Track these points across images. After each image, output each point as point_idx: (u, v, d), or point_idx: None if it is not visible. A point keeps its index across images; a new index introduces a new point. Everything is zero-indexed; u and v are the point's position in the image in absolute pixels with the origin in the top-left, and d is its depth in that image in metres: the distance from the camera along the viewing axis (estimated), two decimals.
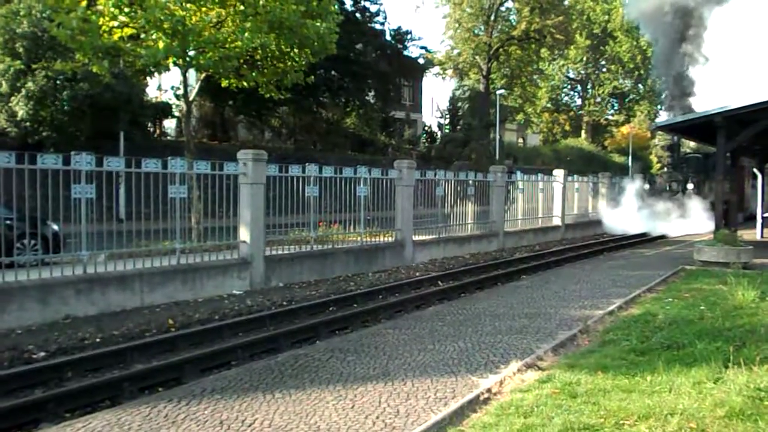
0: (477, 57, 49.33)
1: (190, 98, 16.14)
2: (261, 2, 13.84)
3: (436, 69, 51.54)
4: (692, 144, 35.34)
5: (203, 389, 6.02)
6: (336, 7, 16.85)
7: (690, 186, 28.47)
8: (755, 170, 25.04)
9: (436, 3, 49.89)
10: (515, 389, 5.74)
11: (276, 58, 15.76)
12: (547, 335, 7.98)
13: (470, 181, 18.56)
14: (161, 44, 13.29)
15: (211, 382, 6.30)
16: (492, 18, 48.69)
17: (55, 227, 11.40)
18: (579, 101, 70.51)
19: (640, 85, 67.67)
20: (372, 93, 41.00)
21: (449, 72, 52.03)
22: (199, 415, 5.36)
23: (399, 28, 42.73)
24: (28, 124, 21.04)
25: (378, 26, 40.62)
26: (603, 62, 67.43)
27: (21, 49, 20.96)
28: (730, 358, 6.17)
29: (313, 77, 17.33)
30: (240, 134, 36.45)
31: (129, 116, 23.65)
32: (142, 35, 13.94)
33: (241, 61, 15.10)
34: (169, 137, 31.89)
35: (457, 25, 48.80)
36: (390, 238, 15.62)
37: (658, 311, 8.88)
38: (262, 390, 5.97)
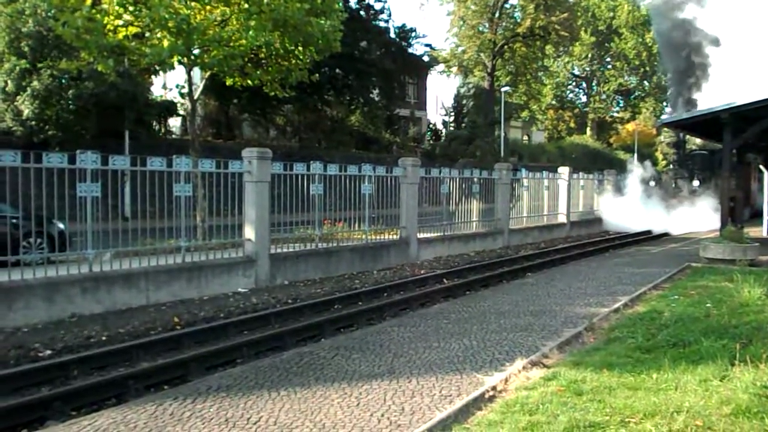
0: (482, 54, 49.27)
1: (195, 97, 16.16)
2: (265, 0, 13.83)
3: (441, 66, 51.51)
4: (698, 141, 35.19)
5: (209, 387, 6.03)
6: (340, 4, 16.86)
7: (696, 183, 28.35)
8: (761, 167, 24.94)
9: (440, 0, 49.86)
10: (520, 387, 5.73)
11: (280, 57, 15.76)
12: (553, 333, 7.96)
13: (475, 179, 18.53)
14: (166, 43, 13.31)
15: (216, 380, 6.31)
16: (496, 15, 48.62)
17: (61, 226, 11.44)
18: (584, 98, 70.41)
19: (645, 82, 67.52)
20: (376, 91, 40.95)
21: (454, 69, 52.01)
22: (205, 412, 5.37)
23: (403, 25, 42.71)
24: (33, 123, 21.10)
25: (382, 24, 40.59)
26: (608, 59, 67.29)
27: (26, 49, 21.02)
28: (737, 355, 6.16)
29: (317, 75, 17.36)
30: (245, 132, 36.49)
31: (134, 115, 23.69)
32: (147, 34, 13.96)
33: (246, 59, 15.11)
34: (174, 136, 31.92)
35: (461, 22, 48.76)
36: (395, 236, 15.61)
37: (664, 309, 8.85)
38: (268, 388, 5.97)
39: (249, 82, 15.91)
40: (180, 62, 14.36)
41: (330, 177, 13.76)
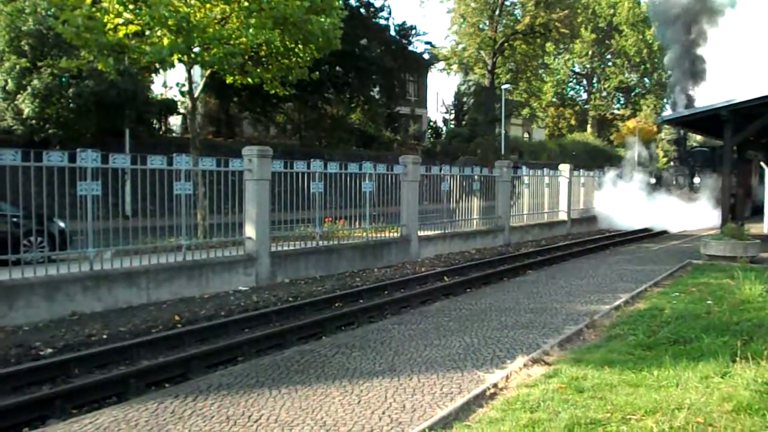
0: (482, 52, 49.24)
1: (195, 95, 16.16)
2: None
3: (441, 64, 51.48)
4: (698, 138, 35.14)
5: (209, 385, 6.04)
6: (340, 2, 16.85)
7: (697, 180, 28.29)
8: (762, 164, 24.92)
9: None
10: (521, 384, 5.72)
11: (280, 54, 15.74)
12: (554, 330, 7.97)
13: (476, 177, 18.52)
14: (166, 41, 13.31)
15: (217, 378, 6.32)
16: (497, 12, 48.58)
17: (62, 224, 11.44)
18: (584, 95, 70.37)
19: (646, 79, 67.43)
20: (377, 89, 40.94)
21: (454, 67, 51.99)
22: (206, 410, 5.37)
23: (404, 23, 42.65)
24: (33, 121, 21.10)
25: (382, 22, 40.54)
26: (609, 56, 67.25)
27: (26, 47, 21.01)
28: (738, 352, 6.15)
29: (317, 73, 17.31)
30: (245, 131, 36.49)
31: (134, 113, 23.69)
32: (147, 32, 13.95)
33: (246, 57, 15.10)
34: (174, 134, 31.92)
35: (461, 19, 48.73)
36: (395, 234, 15.61)
37: (665, 306, 8.84)
38: (268, 386, 5.98)
39: (249, 80, 15.90)
40: (180, 60, 14.36)
41: (330, 175, 13.75)
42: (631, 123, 60.68)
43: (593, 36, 62.74)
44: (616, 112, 69.65)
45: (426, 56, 48.15)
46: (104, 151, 10.07)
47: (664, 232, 23.03)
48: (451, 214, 17.61)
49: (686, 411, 4.84)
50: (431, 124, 51.96)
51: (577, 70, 69.14)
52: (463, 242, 17.71)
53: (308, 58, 15.94)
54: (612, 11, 64.11)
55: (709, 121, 17.96)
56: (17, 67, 20.83)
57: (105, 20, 13.37)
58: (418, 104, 50.35)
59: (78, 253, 9.93)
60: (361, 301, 11.04)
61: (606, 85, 67.33)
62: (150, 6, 12.94)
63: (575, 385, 5.58)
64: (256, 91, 24.63)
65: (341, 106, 38.06)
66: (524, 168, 23.00)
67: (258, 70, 15.61)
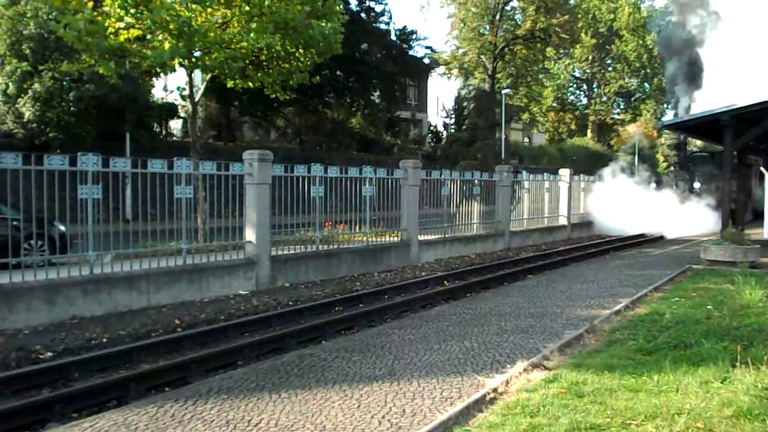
0: (482, 56, 49.27)
1: (196, 99, 16.17)
2: (266, 3, 13.84)
3: (442, 69, 51.49)
4: (699, 143, 35.14)
5: (209, 389, 6.03)
6: (341, 7, 16.84)
7: (697, 185, 28.27)
8: (762, 169, 24.89)
9: (441, 3, 49.88)
10: (521, 389, 5.72)
11: (281, 59, 15.77)
12: (554, 335, 7.96)
13: (476, 181, 18.54)
14: (167, 45, 13.33)
15: (217, 382, 6.31)
16: (497, 17, 48.64)
17: (62, 228, 11.44)
18: (585, 100, 70.41)
19: (646, 84, 67.51)
20: (377, 93, 40.97)
21: (454, 72, 52.00)
22: (206, 414, 5.37)
23: (404, 27, 42.71)
24: (34, 125, 21.11)
25: (383, 26, 40.60)
26: (609, 61, 67.32)
27: (28, 51, 21.04)
28: (738, 357, 6.15)
29: (318, 77, 17.35)
30: (245, 135, 36.50)
31: (135, 117, 23.70)
32: (148, 36, 13.97)
33: (247, 61, 15.11)
34: (174, 138, 31.93)
35: (462, 24, 48.78)
36: (396, 238, 15.61)
37: (665, 311, 8.84)
38: (268, 390, 5.97)
39: (250, 84, 15.92)
40: (181, 64, 14.38)
41: (331, 179, 13.77)
42: (631, 128, 60.77)
43: (593, 41, 62.82)
44: (616, 116, 69.70)
45: (426, 61, 48.24)
46: (105, 154, 10.07)
47: (660, 238, 22.69)
48: (451, 218, 17.62)
49: (686, 416, 4.85)
50: (431, 128, 51.97)
51: (577, 74, 69.23)
52: (464, 246, 17.71)
53: (309, 63, 15.95)
54: (612, 16, 64.19)
55: (710, 126, 17.98)
56: (18, 70, 20.85)
57: (106, 24, 13.39)
58: (418, 109, 50.38)
59: (78, 257, 9.93)
60: (361, 305, 11.04)
61: (606, 90, 67.39)
62: (151, 10, 12.96)
63: (575, 389, 5.58)
64: (256, 95, 24.67)
65: (342, 110, 38.09)
66: (524, 173, 23.03)
67: (259, 74, 15.63)
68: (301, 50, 15.54)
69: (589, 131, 67.24)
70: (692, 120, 19.63)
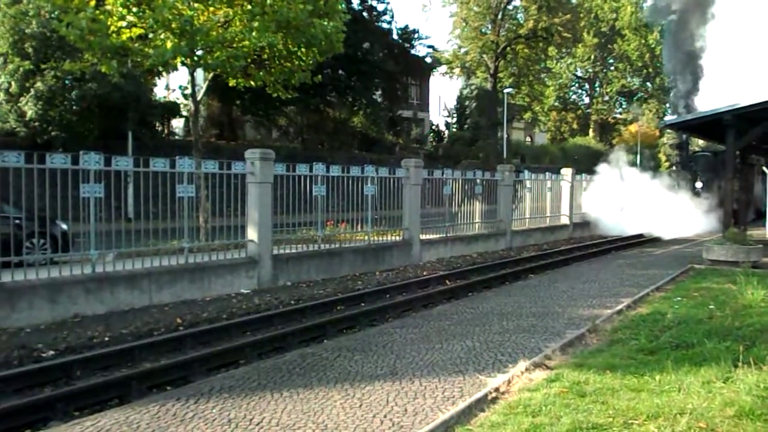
0: (484, 56, 49.24)
1: (198, 98, 16.18)
2: (268, 2, 13.85)
3: (444, 68, 51.47)
4: (701, 142, 35.08)
5: (211, 388, 6.04)
6: (343, 6, 16.86)
7: (699, 184, 28.20)
8: (765, 168, 24.88)
9: (443, 2, 49.83)
10: (523, 388, 5.72)
11: (283, 58, 15.78)
12: (556, 334, 7.96)
13: (478, 180, 18.52)
14: (169, 44, 13.34)
15: (219, 381, 6.31)
16: (499, 16, 48.59)
17: (64, 226, 11.45)
18: (587, 99, 70.37)
19: (648, 83, 67.43)
20: (379, 92, 41.00)
21: (456, 71, 51.97)
22: (208, 413, 5.37)
23: (406, 27, 42.78)
24: (37, 123, 21.16)
25: (385, 25, 40.64)
26: (611, 60, 67.28)
27: (30, 50, 21.08)
28: (740, 357, 6.14)
29: (320, 76, 17.36)
30: (247, 134, 36.54)
31: (137, 116, 23.74)
32: (151, 35, 13.98)
33: (249, 60, 15.13)
34: (177, 137, 31.99)
35: (464, 23, 48.74)
36: (397, 237, 15.61)
37: (667, 310, 8.83)
38: (270, 389, 5.98)
39: (252, 83, 15.93)
40: (183, 63, 14.39)
41: (333, 178, 13.76)
42: (633, 127, 60.74)
43: (595, 40, 62.78)
44: (618, 116, 69.65)
45: (428, 60, 48.25)
46: (107, 153, 10.08)
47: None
48: (453, 217, 17.61)
49: (688, 416, 4.84)
50: (433, 127, 51.98)
51: (579, 74, 69.16)
52: (465, 246, 17.69)
53: (311, 62, 15.96)
54: (614, 15, 64.14)
55: (712, 125, 17.94)
56: (21, 69, 20.90)
57: (109, 23, 13.40)
58: (420, 108, 50.40)
59: (80, 256, 9.93)
60: (363, 304, 11.03)
61: (608, 90, 67.34)
62: (153, 9, 12.98)
63: (577, 389, 5.57)
64: (258, 94, 24.70)
65: (343, 109, 38.11)
66: (526, 172, 22.97)
67: (261, 73, 15.64)
68: (303, 49, 15.55)
69: (591, 131, 67.21)
70: (694, 119, 19.60)
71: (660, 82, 62.86)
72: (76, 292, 9.37)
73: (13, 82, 21.00)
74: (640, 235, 22.59)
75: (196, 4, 13.76)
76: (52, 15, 19.57)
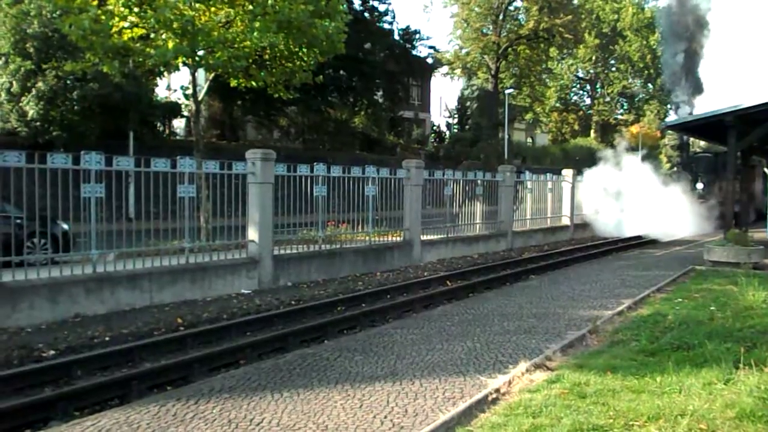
0: (485, 56, 49.26)
1: (199, 98, 16.17)
2: (270, 2, 13.83)
3: (445, 68, 51.49)
4: (702, 143, 35.07)
5: (212, 388, 6.04)
6: (344, 6, 16.85)
7: (699, 186, 28.17)
8: (766, 170, 24.86)
9: (444, 2, 49.88)
10: (524, 389, 5.72)
11: (285, 58, 15.77)
12: (556, 335, 7.95)
13: (479, 181, 18.52)
14: (171, 44, 13.33)
15: (219, 381, 6.31)
16: (500, 17, 48.59)
17: (65, 226, 11.45)
18: (588, 101, 70.38)
19: (649, 85, 67.43)
20: (380, 93, 40.97)
21: (458, 71, 51.98)
22: (208, 413, 5.37)
23: (407, 27, 42.73)
24: (38, 123, 21.15)
25: (386, 26, 40.62)
26: (612, 61, 67.27)
27: (31, 50, 21.07)
28: (741, 359, 6.13)
29: (321, 77, 17.34)
30: (248, 134, 36.54)
31: (138, 116, 23.74)
32: (152, 35, 13.98)
33: (250, 60, 15.12)
34: (178, 137, 32.00)
35: (465, 24, 48.75)
36: (398, 238, 15.60)
37: (668, 312, 8.82)
38: (271, 389, 5.97)
39: (253, 83, 15.92)
40: (184, 63, 14.38)
41: (333, 179, 13.76)
42: (634, 128, 60.70)
43: (597, 41, 62.75)
44: (619, 117, 69.63)
45: (429, 60, 48.22)
46: (108, 153, 10.08)
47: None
48: (454, 218, 17.60)
49: (689, 417, 4.83)
50: (434, 128, 51.97)
51: (580, 75, 69.18)
52: (466, 247, 17.69)
53: (312, 62, 15.95)
54: (616, 17, 64.15)
55: (713, 126, 17.94)
56: (22, 69, 20.89)
57: (110, 23, 13.40)
58: (421, 108, 50.38)
59: (81, 255, 9.94)
60: (364, 305, 11.03)
61: (609, 91, 67.32)
62: (155, 9, 12.97)
63: (578, 390, 5.57)
64: (259, 95, 24.68)
65: (345, 109, 38.11)
66: (527, 173, 22.95)
67: (262, 73, 15.63)
68: (304, 49, 15.53)
69: (592, 132, 67.19)
70: (696, 120, 19.60)
71: (661, 82, 62.85)
72: (77, 292, 9.38)
73: (14, 82, 21.01)
74: (641, 237, 22.48)
75: (197, 5, 13.76)
76: (54, 15, 19.59)
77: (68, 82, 21.13)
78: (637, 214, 23.23)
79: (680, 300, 9.80)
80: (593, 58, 64.99)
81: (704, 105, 29.34)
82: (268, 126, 36.66)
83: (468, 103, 52.62)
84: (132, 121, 23.31)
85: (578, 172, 24.84)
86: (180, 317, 9.48)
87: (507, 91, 49.22)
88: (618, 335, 7.66)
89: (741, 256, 13.67)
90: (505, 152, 45.75)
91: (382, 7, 40.08)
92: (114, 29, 13.51)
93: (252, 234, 12.10)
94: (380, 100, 41.21)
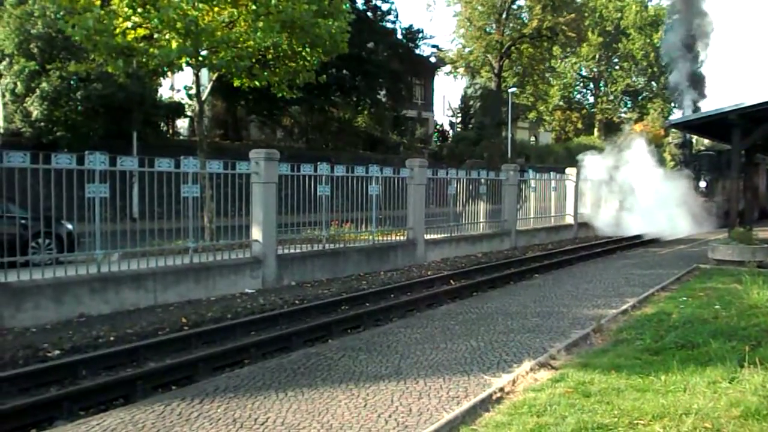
0: (488, 55, 49.24)
1: (203, 98, 16.19)
2: (273, 2, 13.83)
3: (448, 67, 51.52)
4: (705, 141, 34.98)
5: (216, 387, 6.05)
6: (347, 6, 16.83)
7: (703, 184, 28.05)
8: None
9: (447, 1, 49.90)
10: (528, 388, 5.71)
11: (288, 58, 15.76)
12: (560, 334, 7.94)
13: (482, 180, 18.51)
14: (174, 44, 13.35)
15: (224, 381, 6.33)
16: (503, 16, 48.57)
17: (69, 226, 11.47)
18: (591, 99, 70.25)
19: (653, 83, 67.30)
20: (384, 92, 40.99)
21: (461, 70, 51.98)
22: (212, 413, 5.38)
23: (410, 26, 42.85)
24: (42, 124, 21.22)
25: (389, 25, 40.64)
26: (616, 60, 67.17)
27: (35, 50, 21.14)
28: (746, 357, 6.12)
29: (324, 76, 17.35)
30: (252, 134, 36.58)
31: (142, 116, 23.79)
32: (156, 35, 14.00)
33: (254, 60, 15.12)
34: (181, 137, 32.04)
35: (468, 23, 48.73)
36: (402, 237, 15.61)
37: (673, 310, 8.81)
38: (275, 388, 5.98)
39: (256, 83, 15.91)
40: (188, 63, 14.39)
41: (337, 178, 13.77)
42: (638, 127, 60.56)
43: (600, 39, 62.67)
44: (623, 115, 69.51)
45: (432, 59, 48.24)
46: (112, 153, 10.11)
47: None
48: (457, 217, 17.60)
49: (694, 416, 4.83)
50: (438, 127, 52.01)
51: (584, 73, 69.08)
52: (470, 246, 17.68)
53: (315, 62, 15.94)
54: (619, 15, 64.04)
55: (717, 125, 17.90)
56: (26, 69, 20.96)
57: (114, 24, 13.42)
58: (424, 107, 50.39)
59: (85, 255, 9.97)
60: (368, 304, 11.03)
61: (613, 89, 67.22)
62: (158, 9, 12.98)
63: (582, 389, 5.56)
64: (263, 95, 24.71)
65: (348, 109, 38.11)
66: (531, 171, 22.90)
67: (265, 73, 15.62)
68: (307, 49, 15.53)
69: (595, 130, 67.08)
70: (700, 119, 19.55)
71: (665, 81, 62.71)
72: (82, 291, 9.40)
73: (18, 83, 21.07)
74: (644, 235, 22.31)
75: (200, 5, 13.75)
76: (57, 15, 19.62)
77: (72, 82, 21.19)
78: (639, 211, 23.14)
79: (684, 298, 9.79)
80: (596, 56, 64.91)
81: (708, 104, 29.31)
82: (272, 126, 36.69)
83: (471, 102, 52.64)
84: (135, 122, 23.36)
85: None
86: (184, 317, 9.49)
87: (510, 90, 49.19)
88: (622, 334, 7.66)
89: (745, 255, 13.64)
90: (508, 151, 45.73)
91: (385, 7, 40.14)
92: (117, 29, 13.53)
93: (256, 233, 12.12)
94: (383, 100, 41.21)
